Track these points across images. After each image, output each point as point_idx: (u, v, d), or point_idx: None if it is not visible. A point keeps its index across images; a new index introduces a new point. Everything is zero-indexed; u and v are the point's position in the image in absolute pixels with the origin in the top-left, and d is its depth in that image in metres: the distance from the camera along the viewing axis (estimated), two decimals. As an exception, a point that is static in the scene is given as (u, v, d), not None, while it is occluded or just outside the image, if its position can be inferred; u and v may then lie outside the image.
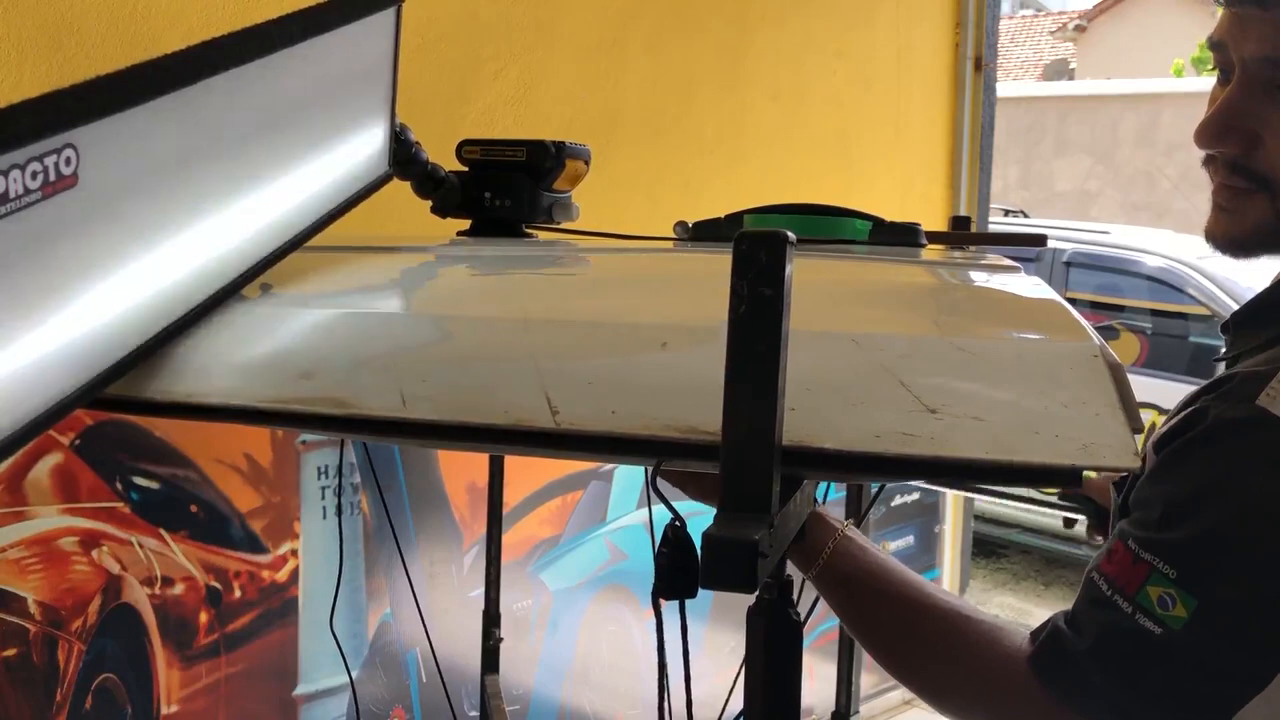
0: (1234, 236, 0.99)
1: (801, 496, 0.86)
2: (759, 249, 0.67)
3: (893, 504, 3.50)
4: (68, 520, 1.84)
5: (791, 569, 1.03)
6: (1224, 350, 1.02)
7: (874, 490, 1.67)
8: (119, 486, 1.90)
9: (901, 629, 1.00)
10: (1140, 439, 0.73)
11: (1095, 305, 5.25)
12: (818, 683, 2.88)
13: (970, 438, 0.71)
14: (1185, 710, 0.85)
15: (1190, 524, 0.84)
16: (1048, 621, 0.93)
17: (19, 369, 0.68)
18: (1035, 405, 0.73)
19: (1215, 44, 0.96)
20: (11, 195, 0.63)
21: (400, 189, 1.35)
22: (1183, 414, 0.90)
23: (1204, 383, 0.94)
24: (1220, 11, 0.95)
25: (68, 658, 1.86)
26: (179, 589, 1.98)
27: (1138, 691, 0.85)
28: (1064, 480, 0.72)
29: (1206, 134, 0.96)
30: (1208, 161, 0.98)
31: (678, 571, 0.70)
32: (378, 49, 1.09)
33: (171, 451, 1.96)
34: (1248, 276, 4.88)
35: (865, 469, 0.76)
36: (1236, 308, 1.02)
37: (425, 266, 1.29)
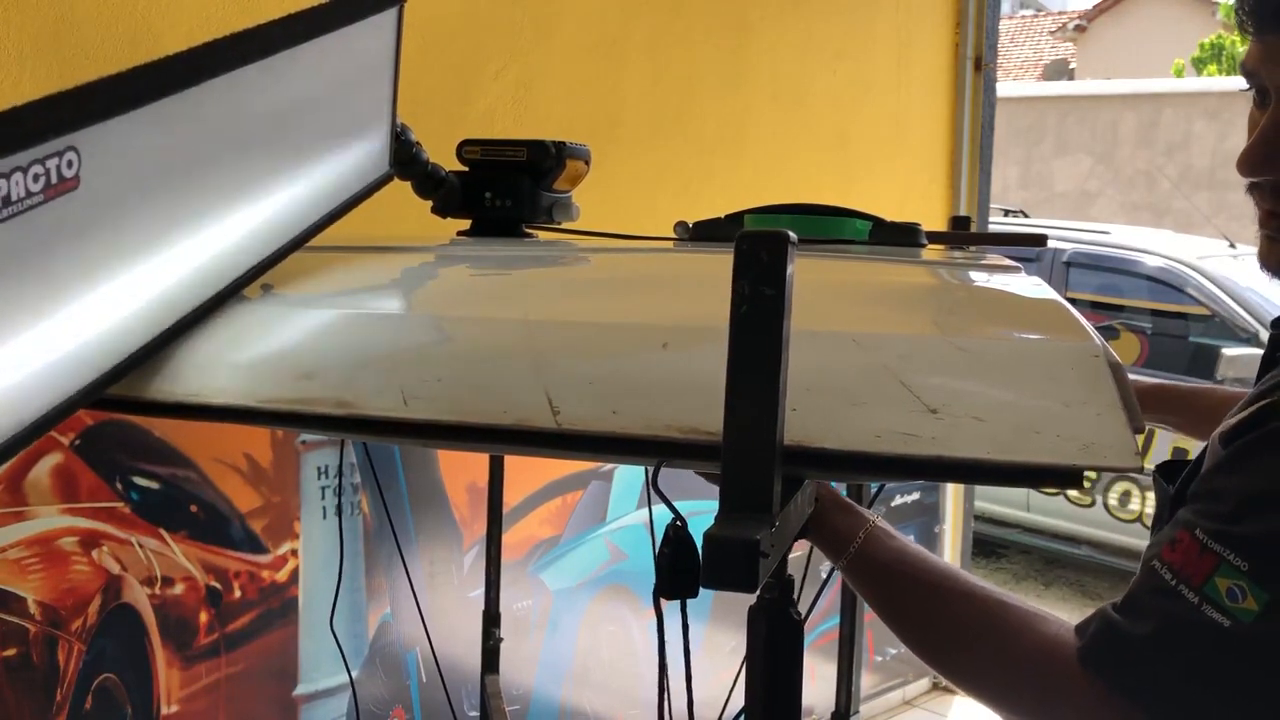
0: None
1: (803, 496, 0.86)
2: (761, 249, 0.67)
3: (893, 504, 3.50)
4: (68, 520, 1.84)
5: (794, 569, 1.03)
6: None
7: (874, 490, 1.67)
8: (119, 486, 1.90)
9: (938, 617, 0.99)
10: (1140, 438, 0.73)
11: (1095, 305, 5.25)
12: (818, 683, 2.88)
13: (971, 437, 0.71)
14: (1253, 703, 0.84)
15: (1270, 518, 0.83)
16: (1095, 613, 0.91)
17: (21, 370, 0.68)
18: (1036, 405, 0.73)
19: (1249, 72, 0.95)
20: (13, 198, 0.63)
21: (401, 189, 1.35)
22: (1256, 407, 0.88)
23: (1272, 376, 0.93)
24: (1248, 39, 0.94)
25: (68, 658, 1.86)
26: (179, 589, 1.98)
27: (1204, 683, 0.84)
28: (1065, 480, 0.72)
29: (1250, 162, 0.95)
30: (1252, 189, 0.97)
31: (679, 571, 0.70)
32: (379, 49, 1.09)
33: (171, 451, 1.96)
34: (1247, 277, 4.88)
35: (866, 469, 0.76)
36: (1242, 313, 1.02)
37: (425, 266, 1.29)
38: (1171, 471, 1.03)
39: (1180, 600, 0.84)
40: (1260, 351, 1.09)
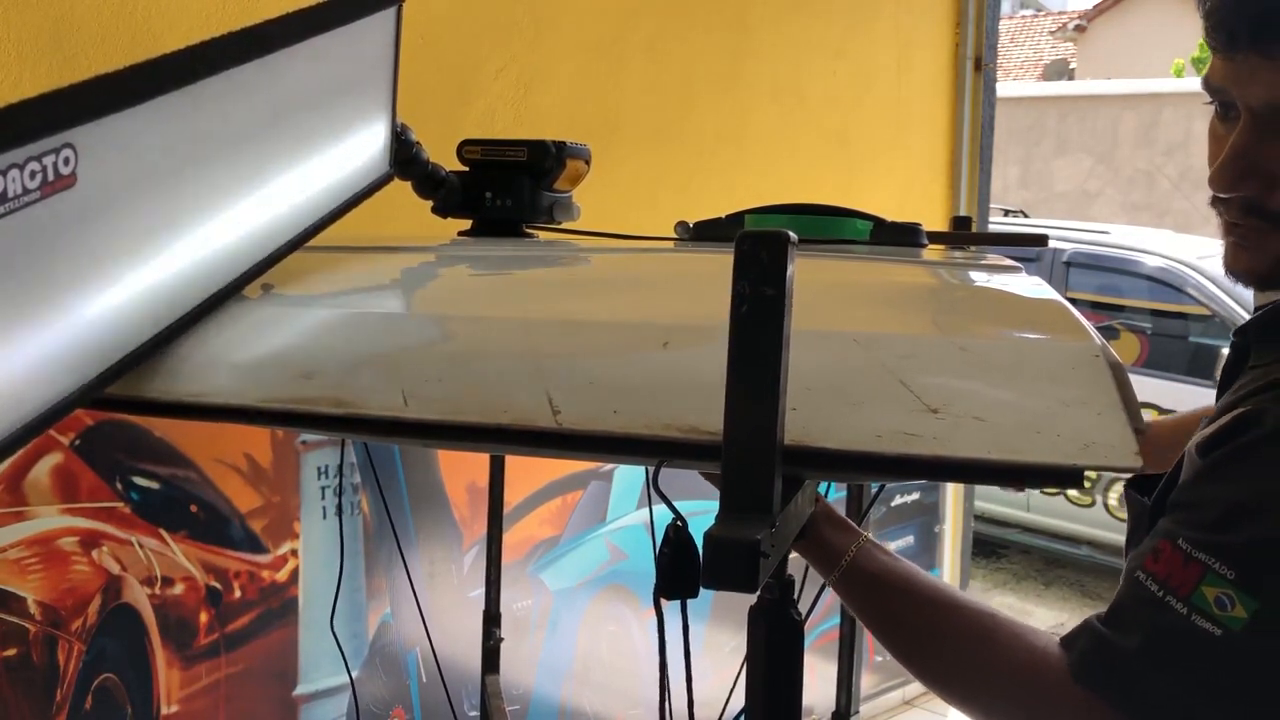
0: (1256, 270, 0.98)
1: (803, 496, 0.86)
2: (761, 249, 0.67)
3: (893, 504, 3.49)
4: (68, 520, 1.84)
5: (795, 569, 1.03)
6: (1251, 360, 1.01)
7: (874, 490, 1.67)
8: (119, 486, 1.90)
9: (929, 629, 0.99)
10: (1141, 438, 0.72)
11: (1095, 305, 5.25)
12: (818, 682, 2.87)
13: (972, 437, 0.71)
14: (1247, 709, 0.85)
15: (1254, 526, 0.84)
16: (1081, 626, 0.92)
17: (18, 369, 0.68)
18: (1037, 405, 0.73)
19: (1214, 88, 0.94)
20: (10, 195, 0.63)
21: (401, 189, 1.35)
22: (1233, 415, 0.88)
23: (1241, 385, 0.93)
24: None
25: (68, 658, 1.86)
26: (179, 589, 1.98)
27: (1198, 692, 0.84)
28: (1066, 480, 0.71)
29: (1223, 180, 0.95)
30: (1217, 202, 0.98)
31: (679, 571, 0.70)
32: (378, 49, 1.09)
33: (171, 451, 1.96)
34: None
35: (867, 469, 0.75)
36: (1241, 313, 1.02)
37: (426, 266, 1.29)
38: (1144, 485, 1.03)
39: (1169, 611, 0.85)
40: None
